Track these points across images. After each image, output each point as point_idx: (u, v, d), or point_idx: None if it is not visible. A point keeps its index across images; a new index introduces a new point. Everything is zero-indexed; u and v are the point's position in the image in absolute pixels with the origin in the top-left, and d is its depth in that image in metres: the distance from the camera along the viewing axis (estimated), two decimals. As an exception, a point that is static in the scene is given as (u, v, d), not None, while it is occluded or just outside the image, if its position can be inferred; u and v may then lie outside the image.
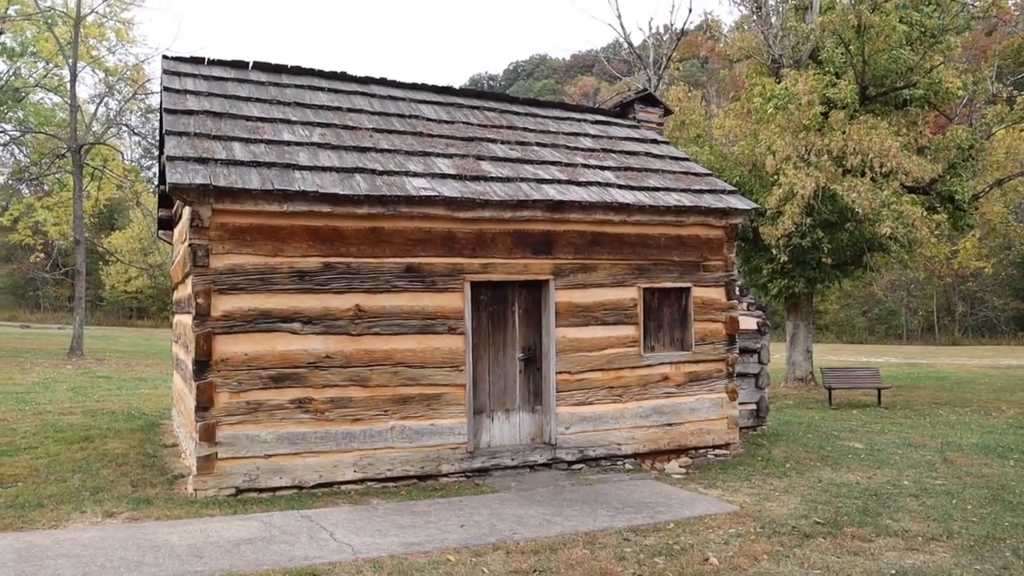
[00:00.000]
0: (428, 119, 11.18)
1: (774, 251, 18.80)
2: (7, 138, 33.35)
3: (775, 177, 18.17)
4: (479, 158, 10.34)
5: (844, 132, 17.76)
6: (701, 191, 11.15)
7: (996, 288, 49.44)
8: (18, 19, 29.48)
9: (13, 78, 31.89)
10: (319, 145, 9.64)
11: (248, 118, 9.88)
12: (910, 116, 20.79)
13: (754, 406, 13.04)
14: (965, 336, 50.37)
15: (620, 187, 10.60)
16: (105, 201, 37.67)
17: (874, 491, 9.25)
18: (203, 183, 8.23)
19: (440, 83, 13.06)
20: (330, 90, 11.26)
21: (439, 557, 6.51)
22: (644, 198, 10.45)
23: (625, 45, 29.81)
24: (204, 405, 8.40)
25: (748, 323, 12.99)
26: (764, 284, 21.58)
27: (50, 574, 5.98)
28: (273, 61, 11.53)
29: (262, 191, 8.45)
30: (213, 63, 11.15)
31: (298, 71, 11.48)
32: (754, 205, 11.49)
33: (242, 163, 8.81)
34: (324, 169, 9.12)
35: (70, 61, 28.21)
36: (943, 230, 20.94)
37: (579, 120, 12.75)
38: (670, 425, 10.64)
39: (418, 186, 9.24)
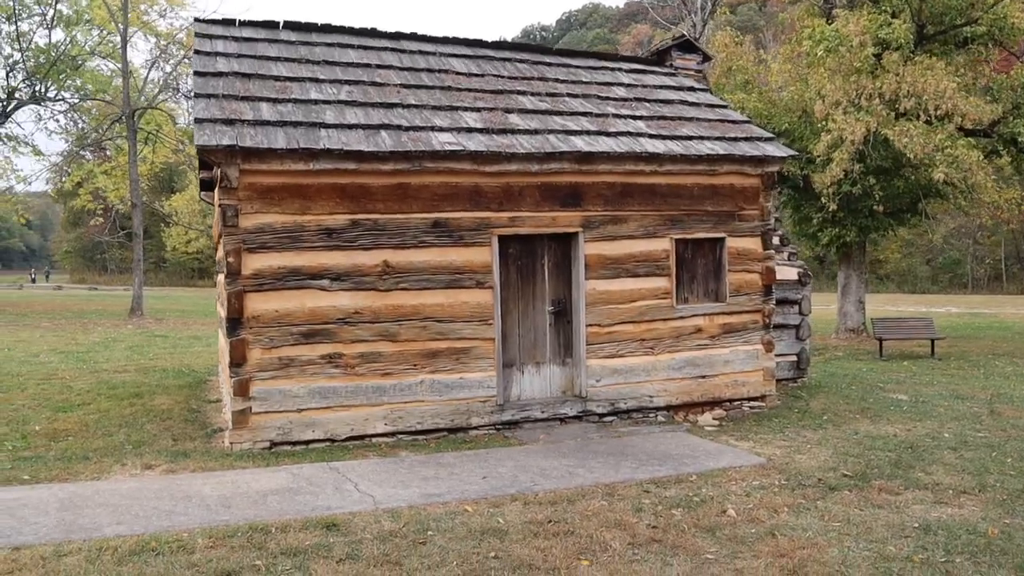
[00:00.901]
0: (457, 73, 11.10)
1: (823, 199, 18.29)
2: (66, 105, 34.23)
3: (824, 123, 17.59)
4: (507, 111, 10.24)
5: (898, 74, 17.05)
6: (736, 139, 10.88)
7: (1069, 234, 47.46)
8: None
9: (70, 46, 32.62)
10: (346, 103, 9.66)
11: (277, 78, 9.95)
12: (972, 55, 19.84)
13: (794, 357, 12.84)
14: (1035, 285, 48.61)
15: (651, 136, 10.40)
16: (162, 164, 38.51)
17: (911, 443, 9.07)
18: (230, 144, 8.34)
19: (491, 36, 12.88)
20: (360, 47, 11.24)
21: (457, 508, 6.62)
22: (676, 147, 10.25)
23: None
24: (237, 361, 8.62)
25: (788, 273, 12.73)
26: (814, 233, 21.07)
27: (88, 522, 6.26)
28: (307, 20, 11.55)
29: (288, 150, 8.53)
30: (244, 24, 11.22)
31: (328, 29, 11.49)
32: (791, 152, 11.17)
33: (269, 123, 8.90)
34: (350, 126, 9.15)
35: (121, 27, 28.70)
36: (1004, 174, 20.07)
37: (613, 69, 12.51)
38: (703, 377, 10.55)
39: (443, 140, 9.22)
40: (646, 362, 10.24)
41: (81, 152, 40.94)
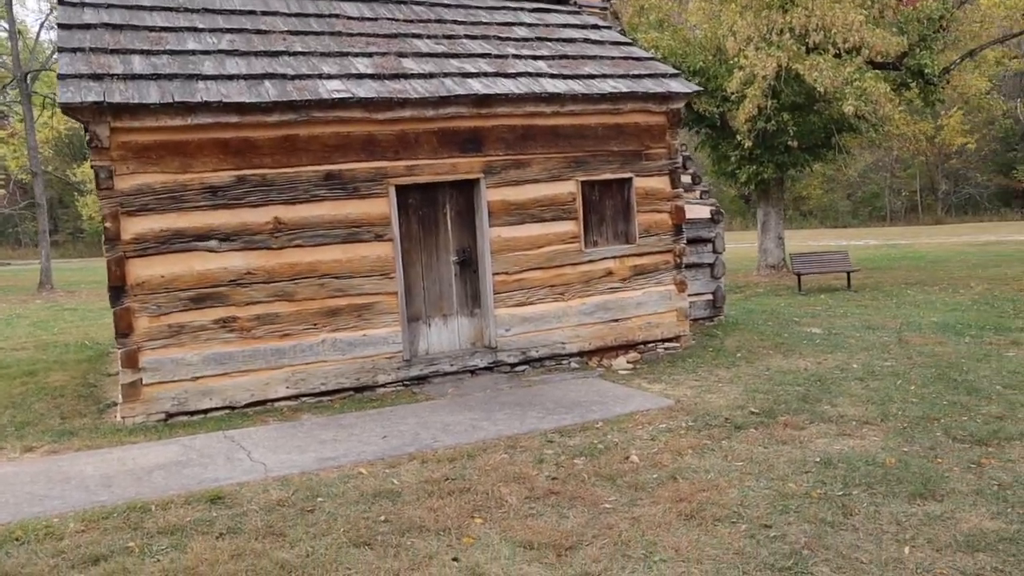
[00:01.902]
0: (349, 18, 10.53)
1: (739, 137, 18.29)
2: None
3: (736, 60, 17.48)
4: (401, 55, 9.78)
5: (807, 8, 16.97)
6: (640, 76, 10.62)
7: (979, 164, 48.88)
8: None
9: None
10: (227, 52, 9.08)
11: (151, 28, 9.26)
12: (881, -13, 19.87)
13: (710, 296, 12.83)
14: (948, 215, 50.08)
15: (552, 76, 10.07)
16: (66, 131, 36.66)
17: (820, 376, 9.11)
18: (96, 100, 7.75)
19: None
20: (242, -9, 10.56)
21: (351, 471, 6.36)
22: (577, 87, 9.95)
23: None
24: (124, 331, 8.16)
25: (700, 212, 12.65)
26: (732, 171, 21.13)
27: (-50, 513, 5.82)
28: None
29: (161, 105, 7.98)
30: (115, -30, 10.42)
31: (208, -27, 10.75)
32: (696, 88, 10.98)
33: (141, 77, 8.30)
34: (230, 77, 8.60)
35: (4, -18, 26.92)
36: (915, 107, 20.35)
37: (515, 9, 12.07)
38: (616, 321, 10.42)
39: (331, 88, 8.74)
40: (556, 308, 10.05)
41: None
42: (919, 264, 23.71)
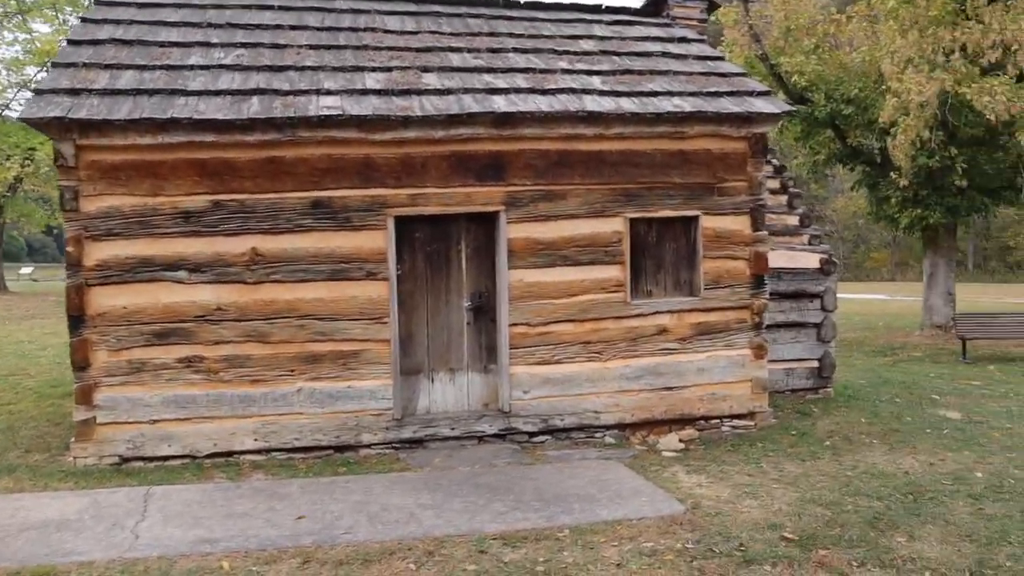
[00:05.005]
0: (385, 31, 9.48)
1: (893, 175, 15.62)
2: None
3: (890, 84, 14.89)
4: (425, 70, 8.59)
5: (983, 22, 14.17)
6: (718, 94, 8.80)
7: None
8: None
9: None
10: (228, 67, 8.26)
11: (162, 44, 8.58)
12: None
13: (815, 363, 10.54)
14: None
15: (602, 93, 8.51)
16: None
17: (918, 486, 6.84)
18: (59, 116, 7.11)
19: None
20: (280, 7, 9.78)
21: (214, 563, 5.11)
22: (629, 104, 8.31)
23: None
24: (80, 365, 7.45)
25: (808, 260, 10.48)
26: (893, 215, 18.23)
27: None
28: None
29: (128, 121, 7.23)
30: (159, -12, 10.02)
31: (250, -12, 10.11)
32: (788, 108, 9.01)
33: (120, 92, 7.61)
34: (216, 93, 7.74)
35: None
36: None
37: (590, 22, 10.56)
38: (668, 389, 8.58)
39: (323, 105, 7.69)
40: (591, 370, 8.38)
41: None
42: None
